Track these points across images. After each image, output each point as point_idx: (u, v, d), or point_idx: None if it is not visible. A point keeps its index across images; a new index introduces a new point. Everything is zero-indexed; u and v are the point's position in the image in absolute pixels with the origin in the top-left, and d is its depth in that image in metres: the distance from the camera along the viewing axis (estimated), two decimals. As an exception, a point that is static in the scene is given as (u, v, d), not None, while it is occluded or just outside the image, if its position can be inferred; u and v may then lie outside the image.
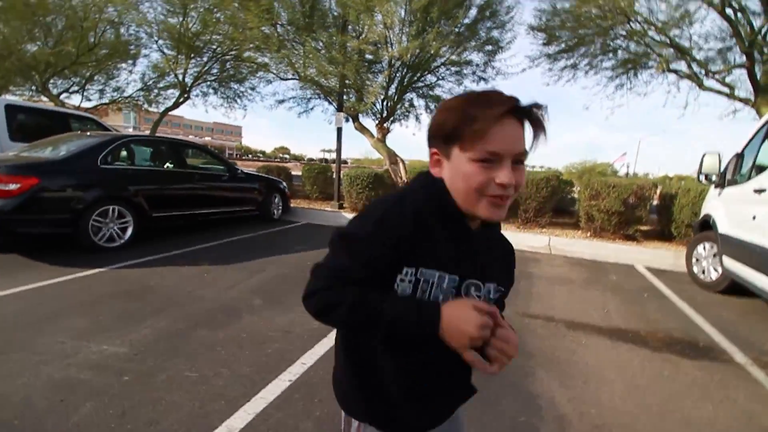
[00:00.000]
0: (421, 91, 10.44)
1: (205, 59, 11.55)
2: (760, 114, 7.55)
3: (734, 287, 4.03)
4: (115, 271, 3.92)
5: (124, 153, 5.35)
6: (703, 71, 8.23)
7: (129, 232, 4.86)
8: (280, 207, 7.57)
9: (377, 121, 9.96)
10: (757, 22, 7.33)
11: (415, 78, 9.60)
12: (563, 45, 8.82)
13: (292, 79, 9.32)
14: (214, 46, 11.05)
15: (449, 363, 0.76)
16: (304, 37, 7.87)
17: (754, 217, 3.48)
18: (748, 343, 3.01)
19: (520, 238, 6.62)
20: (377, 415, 0.81)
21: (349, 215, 7.99)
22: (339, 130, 8.67)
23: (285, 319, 2.98)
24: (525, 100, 0.71)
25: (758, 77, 7.60)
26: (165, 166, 5.79)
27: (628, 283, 4.60)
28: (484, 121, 0.67)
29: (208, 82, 12.49)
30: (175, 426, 1.74)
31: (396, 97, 9.70)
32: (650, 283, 4.65)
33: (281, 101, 10.73)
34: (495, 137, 0.68)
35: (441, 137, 0.74)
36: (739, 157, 4.11)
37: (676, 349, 2.86)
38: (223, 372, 2.21)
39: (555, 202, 8.09)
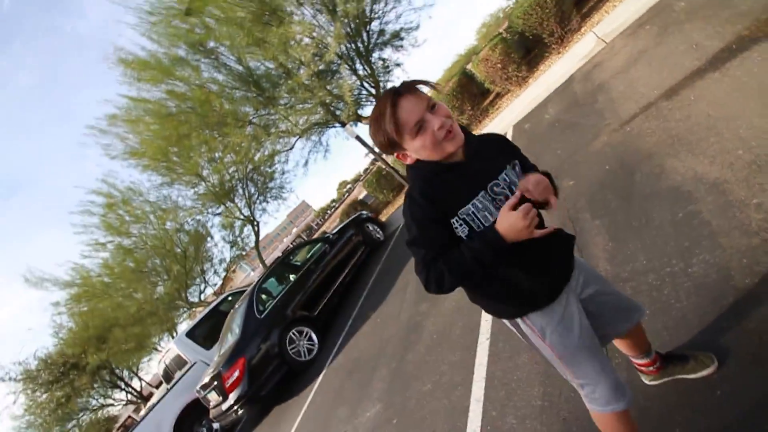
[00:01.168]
0: (381, 43, 10.17)
1: (241, 191, 13.13)
2: None
3: None
4: (331, 366, 4.74)
5: (263, 296, 6.44)
6: None
7: (314, 337, 5.78)
8: (378, 230, 8.12)
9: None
10: None
11: (365, 39, 9.41)
12: None
13: (297, 139, 10.01)
14: (237, 176, 12.54)
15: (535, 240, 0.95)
16: (271, 109, 8.45)
17: None
18: None
19: (565, 61, 5.96)
20: (525, 302, 1.05)
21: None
22: (359, 138, 9.00)
23: (449, 301, 3.31)
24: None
25: None
26: (290, 279, 6.77)
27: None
28: (393, 123, 0.94)
29: (257, 203, 14.11)
30: (443, 423, 2.17)
31: (369, 72, 9.61)
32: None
33: (305, 163, 11.51)
34: (407, 118, 0.94)
35: (390, 147, 1.01)
36: None
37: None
38: (443, 369, 2.61)
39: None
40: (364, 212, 8.40)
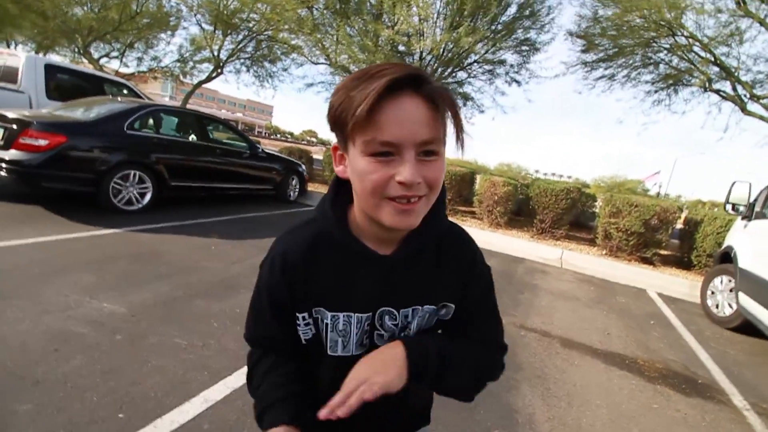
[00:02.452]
0: (450, 87, 10.30)
1: (240, 37, 11.72)
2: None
3: (747, 326, 3.85)
4: (129, 233, 4.06)
5: (150, 121, 5.50)
6: (747, 94, 7.79)
7: (147, 197, 5.03)
8: (297, 189, 7.66)
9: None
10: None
11: (446, 73, 9.46)
12: (602, 54, 8.50)
13: (323, 63, 9.37)
14: (251, 25, 11.19)
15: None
16: (338, 23, 7.87)
17: (779, 256, 3.31)
18: (750, 387, 2.88)
19: (531, 247, 6.50)
20: None
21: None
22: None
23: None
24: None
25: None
26: (189, 138, 5.93)
27: (636, 307, 4.45)
28: (367, 102, 0.50)
29: (242, 60, 12.70)
30: (155, 389, 1.81)
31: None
32: (659, 310, 4.49)
33: (310, 84, 10.83)
34: (387, 122, 0.52)
35: (334, 128, 0.59)
36: (773, 189, 3.90)
37: (672, 383, 2.77)
38: (212, 343, 2.28)
39: (574, 216, 7.91)
40: (303, 167, 7.91)
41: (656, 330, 3.79)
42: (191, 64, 13.09)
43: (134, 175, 4.85)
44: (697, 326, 4.08)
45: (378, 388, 0.58)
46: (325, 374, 0.70)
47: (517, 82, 9.66)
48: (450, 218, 0.71)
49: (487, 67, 9.65)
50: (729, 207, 4.43)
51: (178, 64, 13.07)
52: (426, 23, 7.71)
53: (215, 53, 11.88)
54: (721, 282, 4.32)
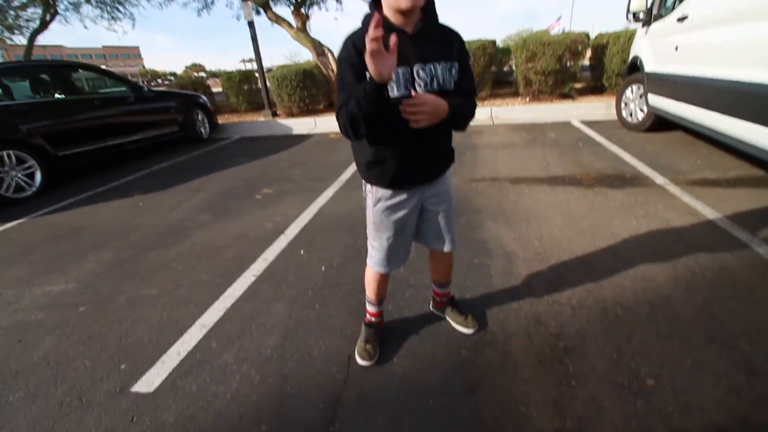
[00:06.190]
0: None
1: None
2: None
3: (658, 124, 4.37)
4: (38, 219, 3.53)
5: (-5, 89, 4.43)
6: None
7: (38, 177, 4.30)
8: (207, 124, 6.91)
9: (292, 7, 8.75)
10: None
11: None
12: None
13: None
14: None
15: (413, 134, 1.06)
16: None
17: (676, 48, 3.60)
18: (667, 168, 3.38)
19: (462, 114, 6.60)
20: (380, 177, 1.19)
21: (286, 121, 7.50)
22: (251, 25, 7.57)
23: (237, 226, 2.91)
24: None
25: None
26: (56, 96, 4.91)
27: (565, 137, 4.85)
28: None
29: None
30: (146, 336, 1.74)
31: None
32: (585, 134, 4.93)
33: None
34: None
35: None
36: (665, -12, 4.08)
37: (606, 183, 3.16)
38: (185, 282, 2.18)
39: (494, 74, 7.99)
40: (204, 97, 7.03)
41: (585, 149, 4.20)
42: (12, 13, 10.23)
43: (8, 156, 4.05)
44: (618, 137, 4.57)
45: (439, 105, 1.03)
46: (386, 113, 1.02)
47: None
48: None
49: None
50: (630, 17, 4.64)
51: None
52: None
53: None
54: (632, 91, 4.74)
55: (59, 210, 3.73)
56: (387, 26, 0.99)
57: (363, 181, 1.27)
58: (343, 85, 1.02)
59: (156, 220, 3.21)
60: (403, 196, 1.23)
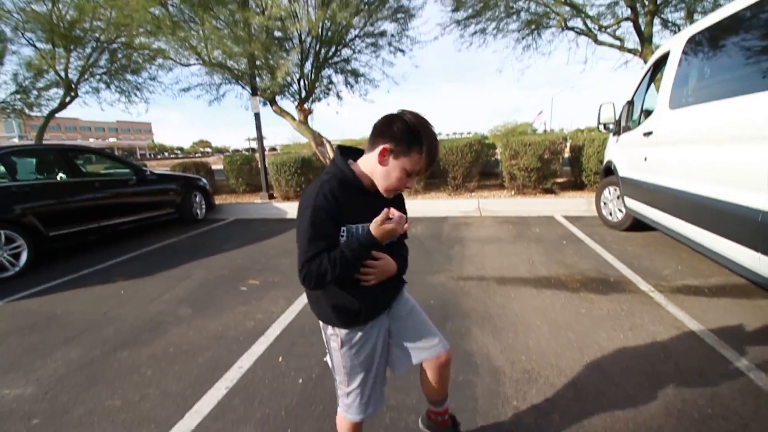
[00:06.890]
0: (338, 66, 10.15)
1: (88, 50, 10.11)
2: (646, 62, 8.42)
3: (636, 224, 4.56)
4: (12, 304, 3.41)
5: (1, 168, 4.58)
6: (596, 26, 8.93)
7: (23, 257, 4.26)
8: (203, 206, 7.07)
9: (297, 102, 9.54)
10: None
11: (331, 53, 9.29)
12: (470, 10, 9.02)
13: (195, 64, 8.53)
14: (97, 35, 9.69)
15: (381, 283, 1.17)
16: (201, 16, 7.17)
17: (645, 159, 3.91)
18: (650, 272, 3.44)
19: (451, 204, 6.87)
20: (345, 317, 1.17)
21: (281, 205, 7.71)
22: (257, 116, 8.19)
23: (217, 324, 2.82)
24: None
25: (642, 28, 8.41)
26: (57, 177, 5.07)
27: (548, 233, 5.00)
28: (427, 149, 1.06)
29: (98, 76, 11.02)
30: (95, 465, 1.57)
31: (313, 75, 9.33)
32: (568, 230, 5.10)
33: (186, 89, 9.83)
34: (422, 164, 1.07)
35: (401, 145, 1.04)
36: (630, 104, 4.55)
37: (591, 287, 3.18)
38: (151, 393, 2.04)
39: (481, 166, 8.49)
40: (204, 180, 7.29)
41: (569, 247, 4.31)
42: (35, 93, 11.02)
43: (-2, 235, 4.04)
44: (600, 235, 4.73)
45: (389, 267, 1.17)
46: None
47: (401, 50, 9.86)
48: None
49: (369, 41, 9.67)
50: (601, 127, 5.11)
51: (19, 96, 10.91)
52: (297, 3, 7.40)
53: (62, 74, 10.14)
54: (609, 192, 5.03)
55: (37, 294, 3.61)
56: (356, 186, 1.11)
57: (322, 323, 1.22)
58: (317, 233, 1.02)
59: (135, 312, 3.10)
60: (370, 326, 1.22)
